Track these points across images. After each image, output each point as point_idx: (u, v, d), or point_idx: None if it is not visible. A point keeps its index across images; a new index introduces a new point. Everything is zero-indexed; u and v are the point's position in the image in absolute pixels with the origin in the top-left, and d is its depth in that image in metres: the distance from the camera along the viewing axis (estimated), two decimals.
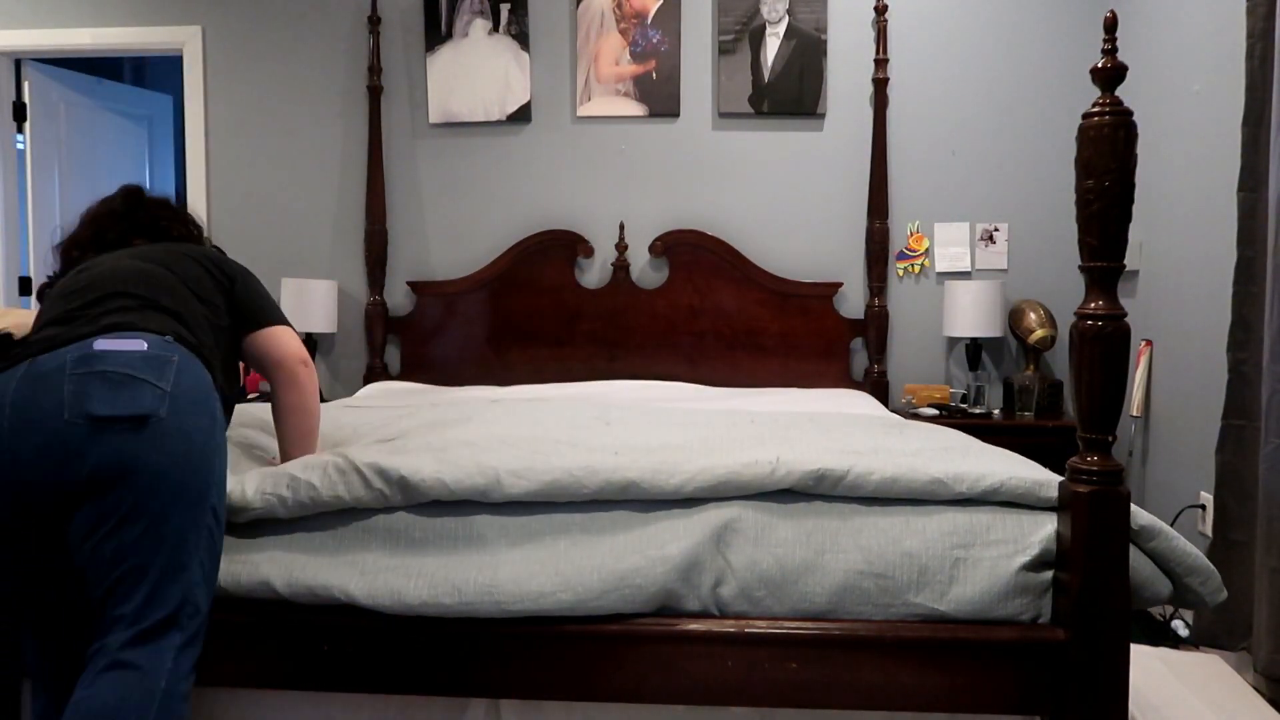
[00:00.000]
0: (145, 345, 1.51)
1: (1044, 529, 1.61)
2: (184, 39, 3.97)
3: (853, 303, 3.81)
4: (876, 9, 3.71)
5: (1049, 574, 1.60)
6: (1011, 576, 1.58)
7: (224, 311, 1.78)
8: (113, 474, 1.42)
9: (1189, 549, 1.63)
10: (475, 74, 3.85)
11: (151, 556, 1.43)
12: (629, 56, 3.81)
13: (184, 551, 1.45)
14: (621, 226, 3.82)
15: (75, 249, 1.86)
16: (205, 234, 2.04)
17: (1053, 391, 3.60)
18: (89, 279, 1.67)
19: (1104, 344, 1.51)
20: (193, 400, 1.52)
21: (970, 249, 3.79)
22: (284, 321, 1.86)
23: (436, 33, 3.85)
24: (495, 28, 3.83)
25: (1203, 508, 2.86)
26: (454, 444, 1.77)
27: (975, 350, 3.66)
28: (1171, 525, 2.05)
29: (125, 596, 1.42)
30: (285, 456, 1.82)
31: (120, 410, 1.43)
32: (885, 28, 3.71)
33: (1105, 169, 1.49)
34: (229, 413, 1.79)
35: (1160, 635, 2.77)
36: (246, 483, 1.66)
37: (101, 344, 1.49)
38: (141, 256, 1.75)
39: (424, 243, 3.94)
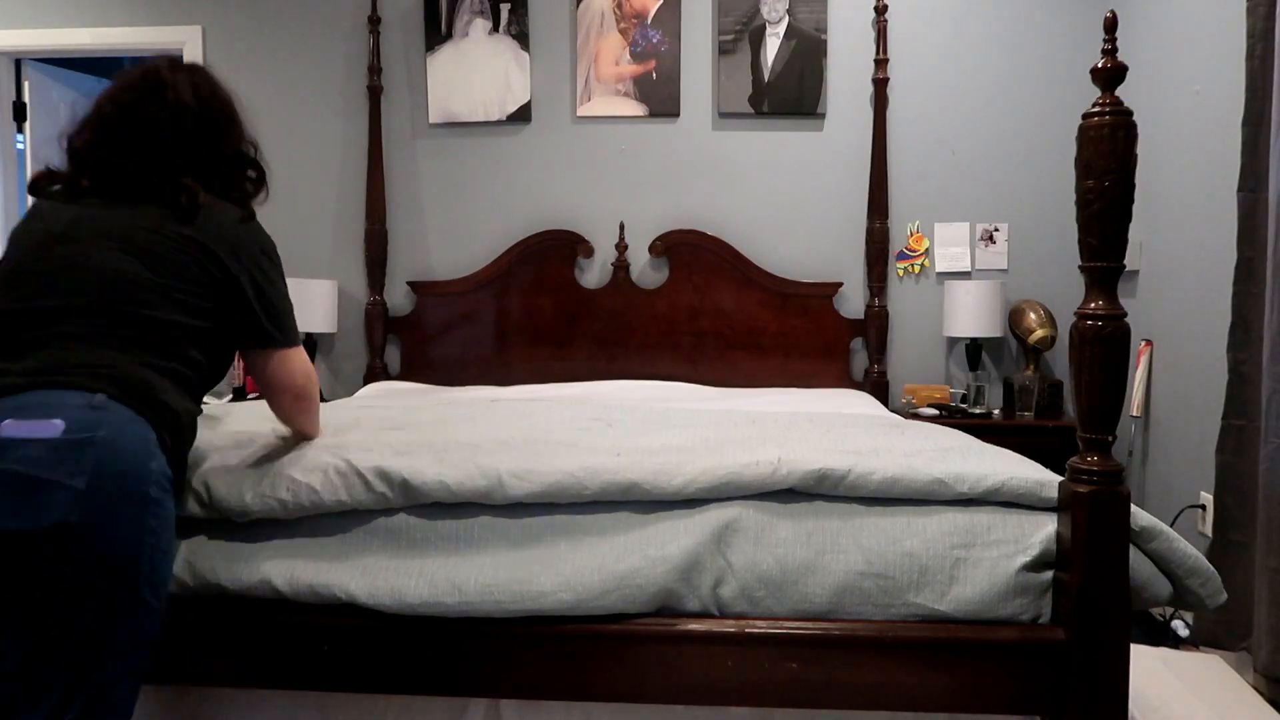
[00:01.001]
0: (61, 427, 1.28)
1: (1044, 529, 1.61)
2: (184, 39, 3.97)
3: (853, 303, 3.81)
4: (876, 9, 3.71)
5: (1049, 574, 1.60)
6: (1012, 576, 1.58)
7: (211, 312, 1.54)
8: (14, 587, 1.28)
9: (1189, 550, 1.63)
10: (475, 74, 3.84)
11: (58, 669, 1.29)
12: (629, 56, 3.81)
13: (100, 657, 1.32)
14: (621, 226, 3.82)
15: (69, 153, 1.58)
16: (248, 162, 1.68)
17: (1053, 391, 3.60)
18: (48, 270, 1.44)
19: (1104, 344, 1.51)
20: (118, 489, 1.31)
21: (970, 249, 3.79)
22: (286, 342, 1.64)
23: (436, 33, 3.85)
24: (495, 28, 3.83)
25: (1203, 508, 2.86)
26: (455, 446, 1.77)
27: (975, 350, 3.66)
28: (1171, 525, 2.05)
29: (30, 707, 1.28)
30: None
31: (20, 524, 1.25)
32: (885, 28, 3.71)
33: (1105, 169, 1.49)
34: (207, 386, 1.61)
35: (1160, 635, 2.77)
36: (246, 486, 1.65)
37: (9, 429, 1.28)
38: (123, 243, 1.48)
39: (424, 243, 3.94)
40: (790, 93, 3.77)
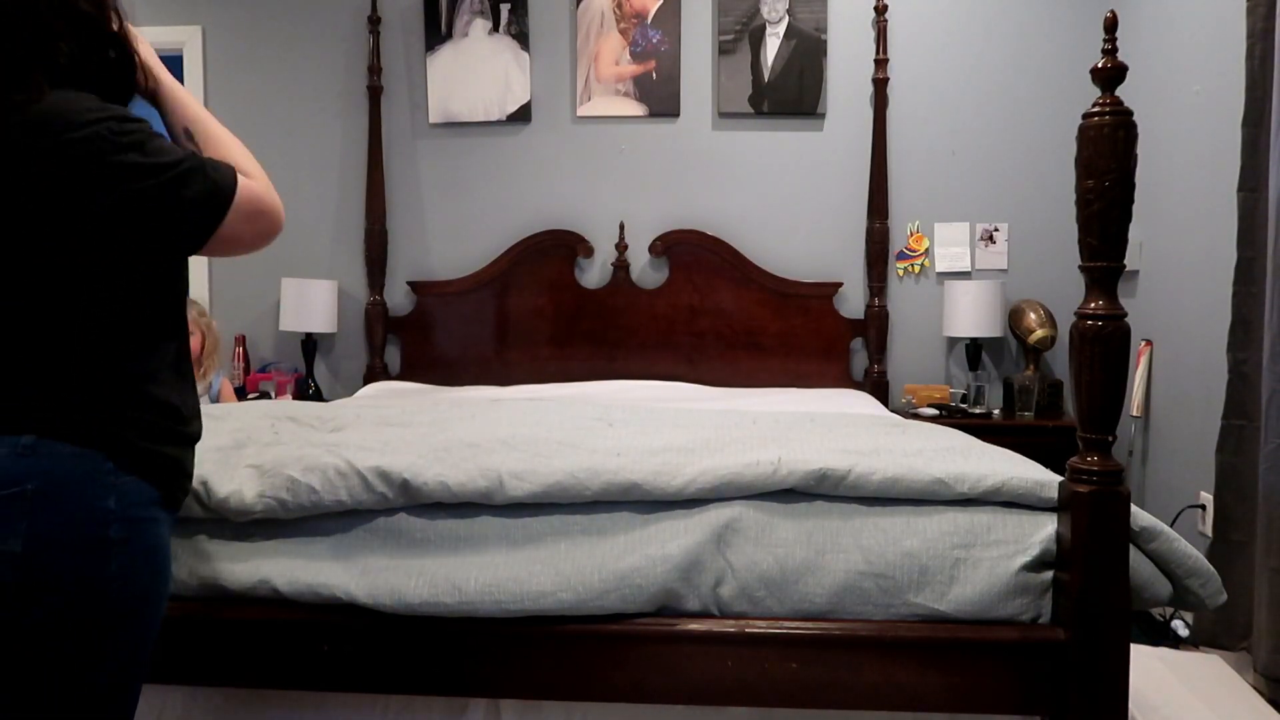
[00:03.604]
0: None
1: (1044, 529, 1.61)
2: (184, 39, 3.97)
3: (853, 303, 3.81)
4: (876, 9, 3.71)
5: (1049, 574, 1.61)
6: (1012, 576, 1.58)
7: (112, 243, 1.17)
8: None
9: (1189, 551, 1.63)
10: (475, 74, 3.84)
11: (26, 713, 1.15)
12: (629, 56, 3.81)
13: (65, 701, 1.18)
14: (621, 226, 3.82)
15: None
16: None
17: (1053, 391, 3.60)
18: None
19: (1104, 344, 1.51)
20: (63, 543, 1.14)
21: (970, 249, 3.79)
22: (215, 190, 1.22)
23: (436, 33, 3.85)
24: (495, 28, 3.83)
25: (1203, 508, 2.86)
26: (456, 445, 1.77)
27: (975, 350, 3.66)
28: (1171, 525, 2.05)
29: None
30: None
31: None
32: (885, 28, 3.71)
33: (1105, 169, 1.49)
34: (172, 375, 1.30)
35: (1160, 635, 2.77)
36: (246, 486, 1.65)
37: None
38: None
39: (424, 243, 3.94)
40: (790, 93, 3.77)
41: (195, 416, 1.35)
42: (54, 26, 1.17)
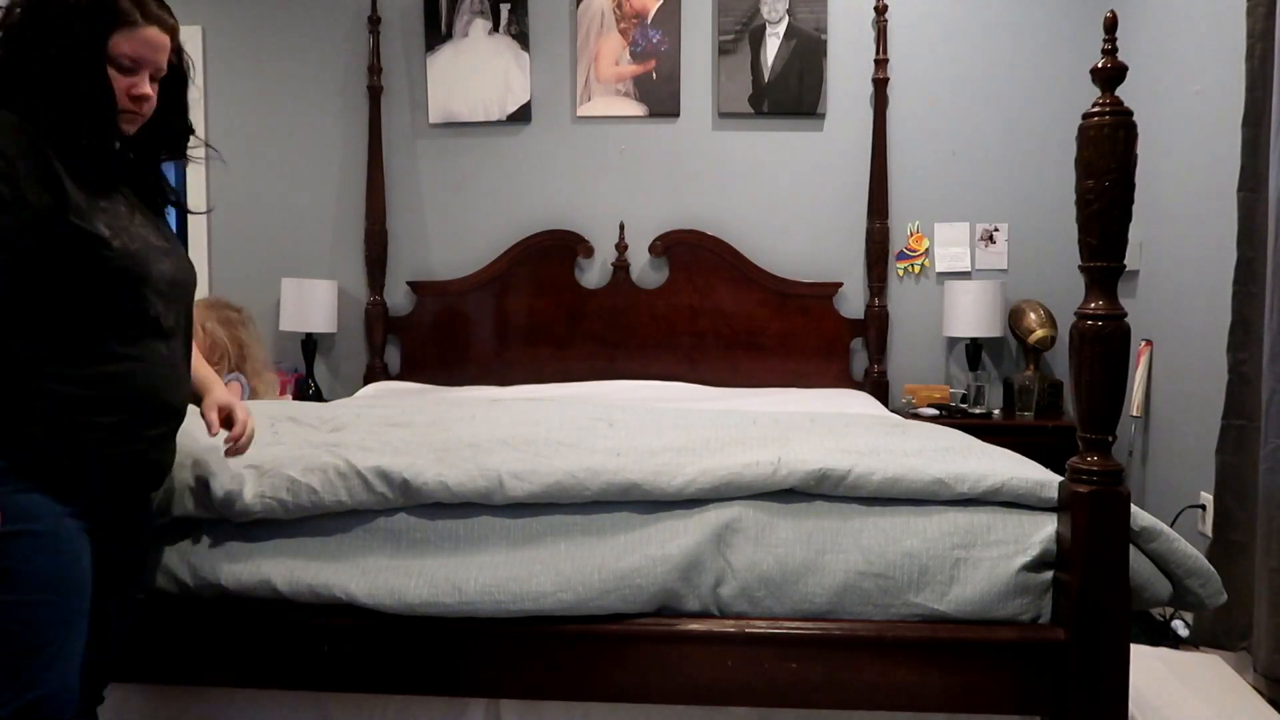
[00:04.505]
0: None
1: (1044, 529, 1.61)
2: (184, 39, 3.95)
3: (853, 303, 3.81)
4: (876, 9, 3.71)
5: (1049, 574, 1.61)
6: (1012, 577, 1.59)
7: None
8: None
9: (1189, 551, 1.63)
10: (475, 74, 3.84)
11: None
12: (629, 56, 3.81)
13: None
14: (621, 226, 3.82)
15: None
16: None
17: (1053, 391, 3.60)
18: None
19: (1104, 344, 1.51)
20: None
21: (970, 249, 3.78)
22: None
23: (436, 33, 3.85)
24: (495, 28, 3.83)
25: (1203, 508, 2.86)
26: (456, 445, 1.77)
27: (975, 350, 3.66)
28: (1171, 525, 2.05)
29: None
30: None
31: None
32: (885, 28, 3.71)
33: (1105, 169, 1.49)
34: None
35: (1160, 635, 2.77)
36: (246, 486, 1.65)
37: None
38: None
39: (424, 243, 3.94)
40: (790, 93, 3.77)
41: (84, 408, 1.36)
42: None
